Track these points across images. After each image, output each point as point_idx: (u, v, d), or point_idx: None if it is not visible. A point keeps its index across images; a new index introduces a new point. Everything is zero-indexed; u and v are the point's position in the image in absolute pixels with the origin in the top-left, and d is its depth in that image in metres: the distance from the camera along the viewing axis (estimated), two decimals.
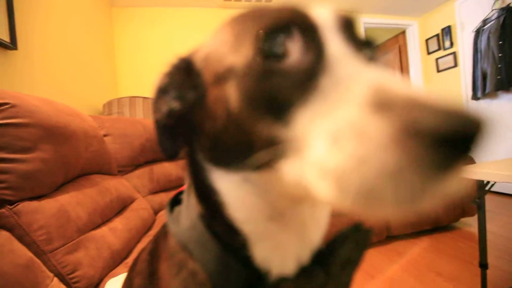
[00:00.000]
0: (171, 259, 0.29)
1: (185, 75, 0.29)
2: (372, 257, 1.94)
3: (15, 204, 0.73)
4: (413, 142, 0.14)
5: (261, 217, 0.25)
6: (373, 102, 0.16)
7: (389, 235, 2.15)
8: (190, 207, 0.30)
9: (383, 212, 0.16)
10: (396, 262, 1.85)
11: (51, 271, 0.73)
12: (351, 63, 0.20)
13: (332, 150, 0.17)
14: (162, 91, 0.29)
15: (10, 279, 0.55)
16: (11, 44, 1.36)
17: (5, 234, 0.65)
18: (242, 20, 0.24)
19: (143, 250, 0.39)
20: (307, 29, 0.22)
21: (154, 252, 0.34)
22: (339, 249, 0.28)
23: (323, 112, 0.18)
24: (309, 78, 0.20)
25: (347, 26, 0.23)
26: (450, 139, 0.14)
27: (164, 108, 0.29)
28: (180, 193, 0.34)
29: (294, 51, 0.21)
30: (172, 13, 3.05)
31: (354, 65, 0.20)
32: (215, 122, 0.25)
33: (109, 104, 2.21)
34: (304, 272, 0.27)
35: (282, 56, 0.21)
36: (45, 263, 0.73)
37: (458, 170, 0.15)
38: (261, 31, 0.21)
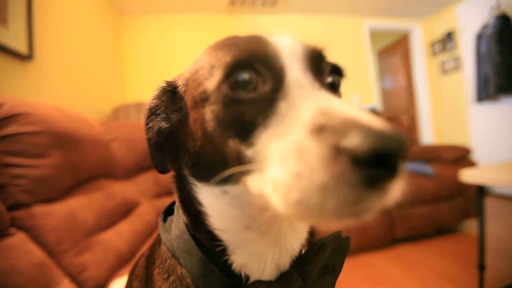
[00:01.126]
0: (163, 265, 0.32)
1: (171, 98, 0.32)
2: (376, 261, 1.94)
3: (30, 207, 0.78)
4: (339, 161, 0.17)
5: (239, 226, 0.28)
6: (314, 125, 0.19)
7: (393, 239, 2.15)
8: (179, 217, 0.33)
9: (322, 221, 0.19)
10: (399, 265, 1.85)
11: (64, 272, 0.77)
12: (306, 90, 0.23)
13: (280, 168, 0.20)
14: (152, 112, 0.33)
15: (26, 278, 0.59)
16: (29, 54, 1.43)
17: (21, 235, 0.70)
18: (217, 49, 0.27)
19: (141, 255, 0.42)
20: (269, 60, 0.24)
21: (150, 258, 0.37)
22: (316, 255, 0.30)
23: (278, 134, 0.21)
24: (268, 104, 0.23)
25: (312, 56, 0.26)
26: (370, 158, 0.16)
27: (155, 127, 0.33)
28: (173, 203, 0.38)
29: (256, 80, 0.24)
30: (179, 20, 3.12)
31: (308, 92, 0.23)
32: (195, 141, 0.28)
33: (116, 110, 2.28)
34: (282, 277, 0.29)
35: (246, 84, 0.24)
36: (56, 264, 0.77)
37: (383, 186, 0.17)
38: (228, 61, 0.25)
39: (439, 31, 4.02)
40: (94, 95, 2.23)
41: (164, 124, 0.32)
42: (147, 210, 1.36)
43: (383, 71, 5.13)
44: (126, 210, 1.21)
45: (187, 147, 0.30)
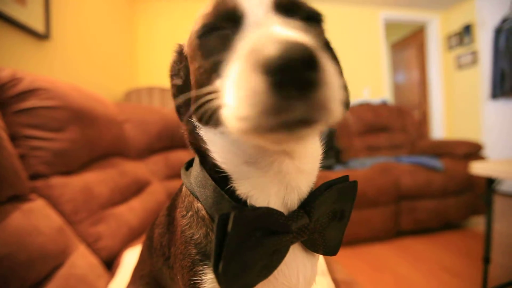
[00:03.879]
0: (183, 204, 0.37)
1: (179, 58, 0.38)
2: (380, 252, 1.96)
3: (49, 178, 0.82)
4: (256, 74, 0.19)
5: (236, 160, 0.31)
6: (248, 50, 0.22)
7: (399, 231, 2.16)
8: (196, 163, 0.37)
9: (261, 137, 0.22)
10: (403, 257, 1.87)
11: (81, 239, 0.81)
12: (263, 27, 0.25)
13: (227, 95, 0.23)
14: (172, 74, 0.40)
15: (47, 238, 0.63)
16: (46, 33, 1.46)
17: (41, 201, 0.73)
18: (204, 9, 0.32)
19: (162, 209, 0.45)
20: (230, 13, 0.29)
21: (172, 206, 0.42)
22: (323, 194, 0.32)
23: (232, 67, 0.24)
24: (229, 44, 0.27)
25: (281, 2, 0.29)
26: (277, 67, 0.19)
27: (174, 85, 0.39)
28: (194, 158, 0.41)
29: (223, 24, 0.29)
30: (192, 5, 3.11)
31: (263, 28, 0.25)
32: (194, 89, 0.33)
33: (128, 94, 2.31)
34: (288, 214, 0.31)
35: (217, 29, 0.29)
36: (73, 231, 0.81)
37: (303, 94, 0.19)
38: (206, 13, 0.30)
39: (456, 24, 3.90)
40: (108, 78, 2.27)
41: (178, 81, 0.39)
42: (158, 190, 1.39)
43: (396, 65, 5.02)
44: (138, 188, 1.25)
45: (191, 96, 0.34)
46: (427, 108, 4.36)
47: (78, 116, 0.99)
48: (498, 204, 2.83)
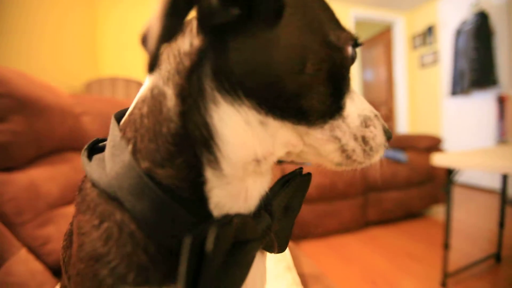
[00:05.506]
0: (91, 211, 0.26)
1: None
2: (349, 242, 2.02)
3: None
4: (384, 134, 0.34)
5: (249, 159, 0.26)
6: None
7: (366, 222, 2.24)
8: (119, 152, 0.26)
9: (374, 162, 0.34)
10: (371, 246, 1.94)
11: (21, 243, 0.72)
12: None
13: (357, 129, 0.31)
14: None
15: None
16: None
17: None
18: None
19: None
20: None
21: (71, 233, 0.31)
22: (279, 193, 0.30)
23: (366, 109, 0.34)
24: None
25: None
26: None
27: None
28: (100, 140, 0.32)
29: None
30: None
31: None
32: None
33: (89, 85, 2.15)
34: (254, 215, 0.28)
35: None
36: (15, 235, 0.72)
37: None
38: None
39: (420, 25, 4.10)
40: (63, 67, 2.09)
41: None
42: None
43: (365, 63, 5.19)
44: None
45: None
46: (393, 105, 4.57)
47: (23, 106, 0.88)
48: (457, 194, 3.05)
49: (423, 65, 4.09)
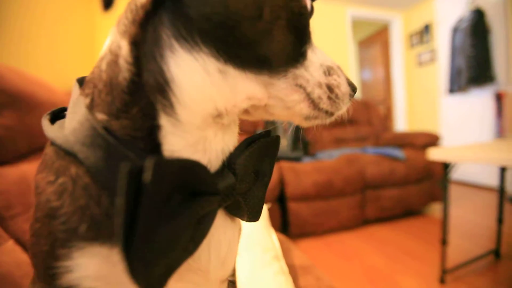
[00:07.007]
0: (48, 169, 0.26)
1: None
2: (348, 240, 2.01)
3: None
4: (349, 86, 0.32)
5: (208, 112, 0.26)
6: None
7: (365, 220, 2.23)
8: (76, 110, 0.26)
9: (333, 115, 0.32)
10: (369, 244, 1.93)
11: (11, 236, 0.72)
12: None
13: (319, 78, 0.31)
14: None
15: None
16: None
17: None
18: None
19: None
20: None
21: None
22: (244, 153, 0.29)
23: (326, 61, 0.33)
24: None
25: None
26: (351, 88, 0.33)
27: None
28: (63, 109, 0.31)
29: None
30: None
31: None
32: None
33: None
34: (216, 171, 0.27)
35: None
36: (4, 228, 0.72)
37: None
38: None
39: (417, 24, 4.11)
40: (63, 68, 2.09)
41: None
42: None
43: (363, 62, 5.20)
44: None
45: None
46: (391, 103, 4.57)
47: (15, 101, 0.88)
48: (455, 191, 3.04)
49: (420, 64, 4.10)
